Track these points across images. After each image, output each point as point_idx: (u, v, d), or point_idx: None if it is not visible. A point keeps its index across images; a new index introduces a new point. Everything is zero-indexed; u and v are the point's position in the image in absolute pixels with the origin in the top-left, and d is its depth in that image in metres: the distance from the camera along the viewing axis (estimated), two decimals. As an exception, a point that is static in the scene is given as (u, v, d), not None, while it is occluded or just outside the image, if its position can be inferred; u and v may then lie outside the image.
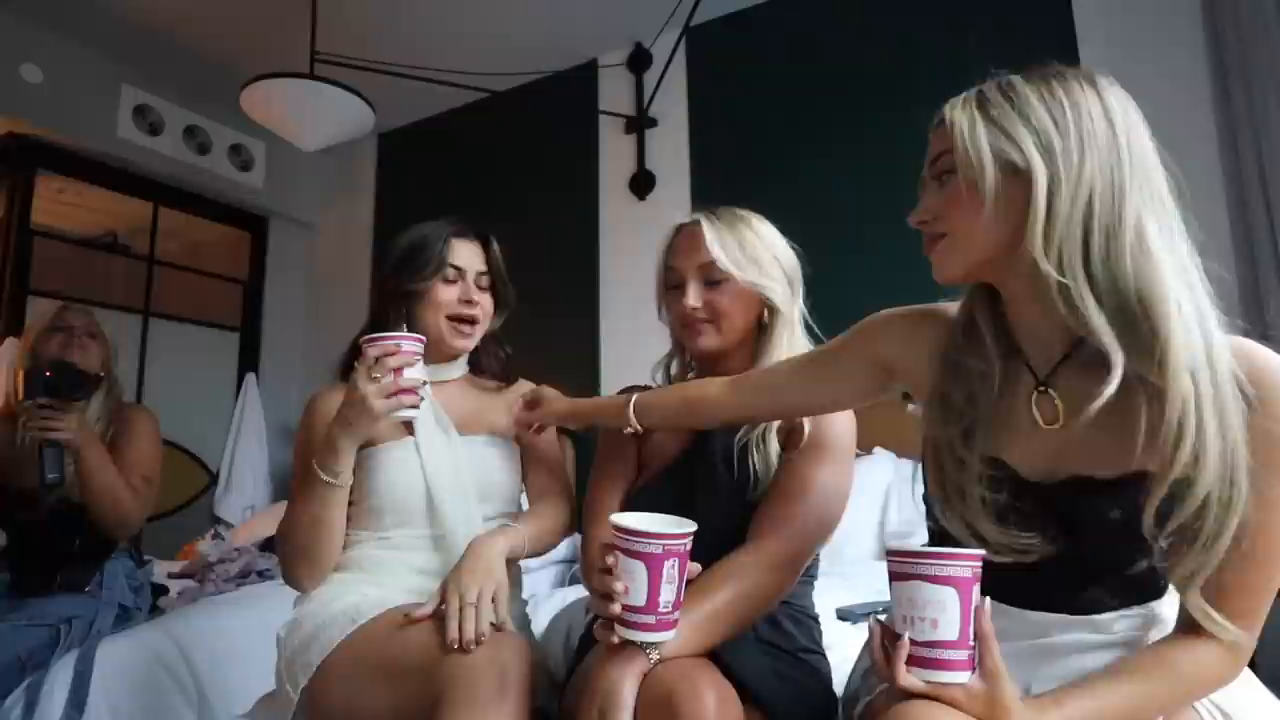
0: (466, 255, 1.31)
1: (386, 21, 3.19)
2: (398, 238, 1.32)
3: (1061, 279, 0.73)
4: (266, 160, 4.05)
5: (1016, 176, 0.75)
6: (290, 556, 1.19)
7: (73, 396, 1.64)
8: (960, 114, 0.78)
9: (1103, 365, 0.73)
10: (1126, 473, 0.76)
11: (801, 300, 1.20)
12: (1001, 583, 0.78)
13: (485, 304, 1.33)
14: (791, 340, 1.17)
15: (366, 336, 1.12)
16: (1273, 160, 2.15)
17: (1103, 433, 0.76)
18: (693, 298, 1.17)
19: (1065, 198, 0.73)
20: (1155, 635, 0.81)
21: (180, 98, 3.67)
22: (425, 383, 1.12)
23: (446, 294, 1.28)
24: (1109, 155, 0.74)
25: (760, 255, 1.16)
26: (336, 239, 4.28)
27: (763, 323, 1.18)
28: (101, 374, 1.83)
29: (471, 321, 1.31)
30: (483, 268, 1.33)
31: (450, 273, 1.29)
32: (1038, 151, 0.74)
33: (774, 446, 1.09)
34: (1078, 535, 0.78)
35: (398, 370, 1.09)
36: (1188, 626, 0.78)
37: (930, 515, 0.89)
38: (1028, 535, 0.78)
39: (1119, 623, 0.81)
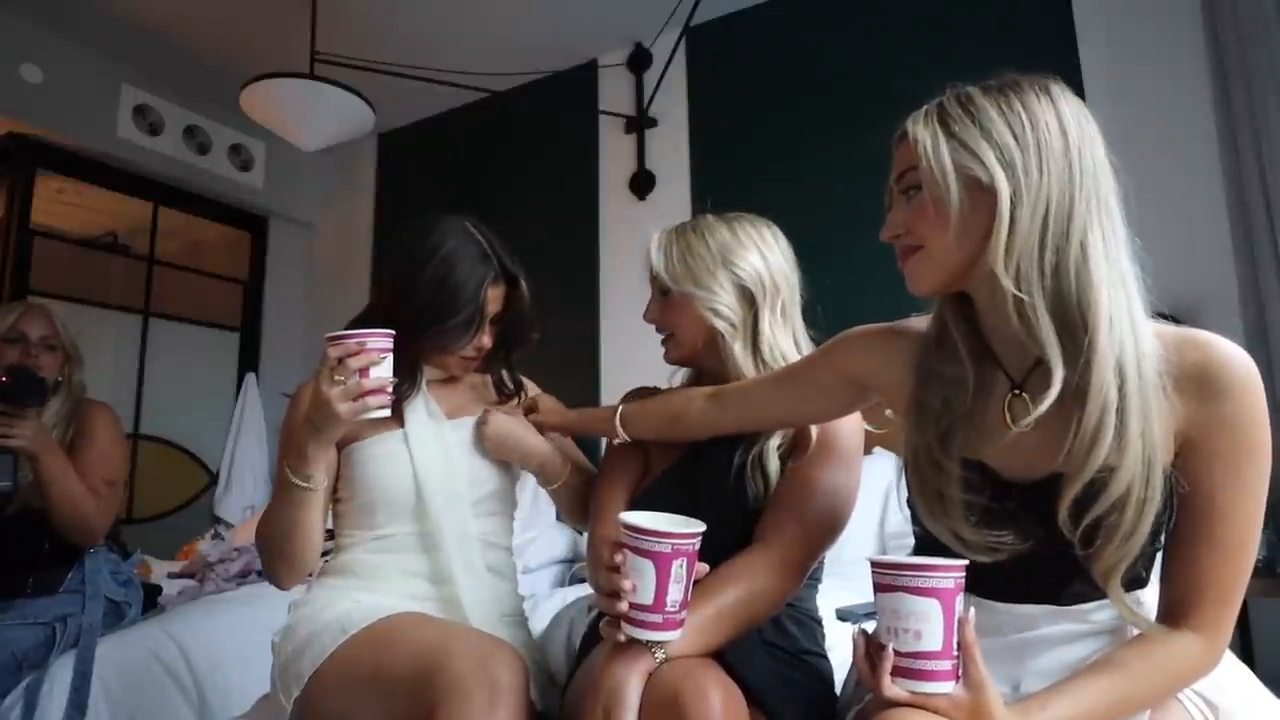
0: (493, 302, 1.23)
1: (386, 21, 3.19)
2: (427, 253, 1.20)
3: (1018, 293, 0.75)
4: (266, 160, 4.04)
5: (981, 192, 0.76)
6: (269, 557, 1.17)
7: (26, 402, 1.59)
8: (923, 130, 0.79)
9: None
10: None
11: (781, 308, 1.16)
12: (987, 579, 0.79)
13: (490, 341, 1.27)
14: (762, 349, 1.13)
15: (329, 335, 1.04)
16: (1273, 160, 2.14)
17: (1049, 420, 0.77)
18: (648, 310, 1.19)
19: (1026, 212, 0.75)
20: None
21: (180, 98, 3.67)
22: (394, 381, 1.06)
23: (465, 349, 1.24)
24: (1063, 168, 0.76)
25: (699, 266, 1.13)
26: (336, 239, 4.28)
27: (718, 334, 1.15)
28: (60, 379, 1.79)
29: (478, 359, 1.28)
30: (500, 310, 1.25)
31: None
32: (1000, 167, 0.75)
33: (773, 464, 1.09)
34: (1056, 529, 0.78)
35: (363, 371, 1.01)
36: (1165, 619, 0.79)
37: (915, 520, 0.90)
38: (1007, 536, 0.79)
39: (1102, 613, 0.82)
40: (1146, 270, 0.79)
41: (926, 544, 0.89)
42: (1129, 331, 0.75)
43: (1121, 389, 0.73)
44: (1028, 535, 0.79)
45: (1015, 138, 0.76)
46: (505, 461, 1.29)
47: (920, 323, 0.94)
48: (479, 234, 1.24)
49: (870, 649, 0.77)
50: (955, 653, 0.73)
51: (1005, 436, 0.81)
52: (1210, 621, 0.77)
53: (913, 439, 0.87)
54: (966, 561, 0.75)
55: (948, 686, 0.73)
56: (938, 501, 0.83)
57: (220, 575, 2.37)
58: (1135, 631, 0.81)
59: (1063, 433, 0.76)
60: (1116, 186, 0.79)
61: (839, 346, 1.01)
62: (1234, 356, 0.76)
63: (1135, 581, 0.82)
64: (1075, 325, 0.75)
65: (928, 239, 0.81)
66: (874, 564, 0.77)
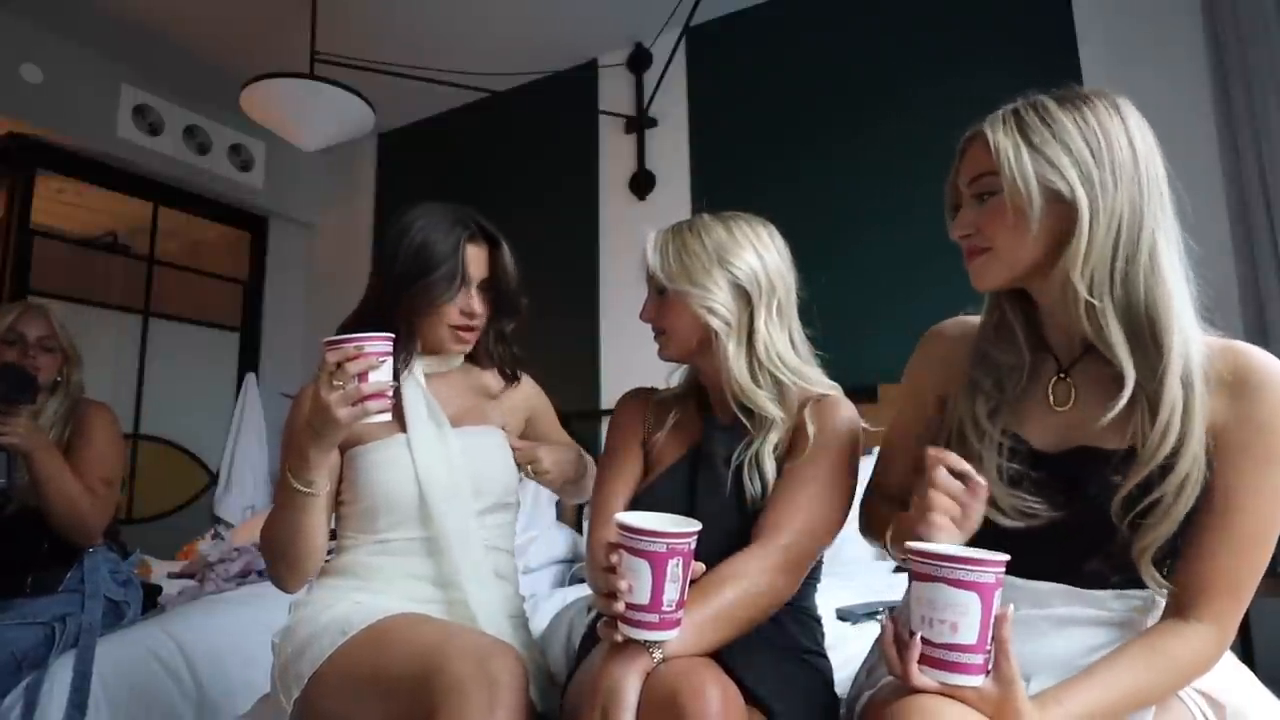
0: (476, 263, 1.24)
1: (386, 21, 3.19)
2: (401, 230, 1.23)
3: (1090, 298, 0.81)
4: (266, 160, 4.05)
5: (1059, 203, 0.81)
6: (273, 560, 1.17)
7: (17, 400, 1.58)
8: (1003, 138, 0.82)
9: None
10: (1125, 446, 0.82)
11: (777, 307, 1.14)
12: (1009, 552, 0.80)
13: (482, 309, 1.27)
14: (757, 349, 1.12)
15: (326, 339, 1.03)
16: (1273, 160, 2.15)
17: (1106, 411, 0.81)
18: (644, 309, 1.19)
19: (1102, 225, 0.80)
20: (1152, 621, 0.85)
21: (180, 98, 3.67)
22: (394, 385, 1.06)
23: (451, 306, 1.23)
24: (1132, 182, 0.81)
25: (695, 264, 1.12)
26: (336, 239, 4.28)
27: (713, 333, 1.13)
28: (58, 379, 1.79)
29: (471, 329, 1.27)
30: (485, 274, 1.26)
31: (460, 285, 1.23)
32: (1080, 181, 0.80)
33: (769, 466, 1.09)
34: (1081, 500, 0.82)
35: (361, 376, 1.01)
36: (1175, 610, 0.82)
37: None
38: (1036, 500, 0.83)
39: (1118, 601, 0.84)
40: (1196, 272, 0.84)
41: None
42: (1189, 332, 0.80)
43: (1188, 387, 0.78)
44: (1054, 505, 0.82)
45: (1092, 153, 0.80)
46: (507, 461, 1.29)
47: (953, 323, 1.02)
48: (452, 206, 1.27)
49: (898, 635, 0.77)
50: (988, 647, 0.73)
51: (1044, 414, 0.89)
52: (1219, 612, 0.80)
53: (961, 409, 0.92)
54: (1008, 557, 0.74)
55: (977, 680, 0.73)
56: (977, 464, 0.86)
57: (220, 575, 2.37)
58: (1150, 622, 0.84)
59: (1095, 411, 0.82)
60: (1171, 194, 0.83)
61: (912, 370, 1.03)
62: (1270, 363, 0.81)
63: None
64: (1143, 329, 0.80)
65: (998, 241, 0.85)
66: (914, 551, 0.76)
